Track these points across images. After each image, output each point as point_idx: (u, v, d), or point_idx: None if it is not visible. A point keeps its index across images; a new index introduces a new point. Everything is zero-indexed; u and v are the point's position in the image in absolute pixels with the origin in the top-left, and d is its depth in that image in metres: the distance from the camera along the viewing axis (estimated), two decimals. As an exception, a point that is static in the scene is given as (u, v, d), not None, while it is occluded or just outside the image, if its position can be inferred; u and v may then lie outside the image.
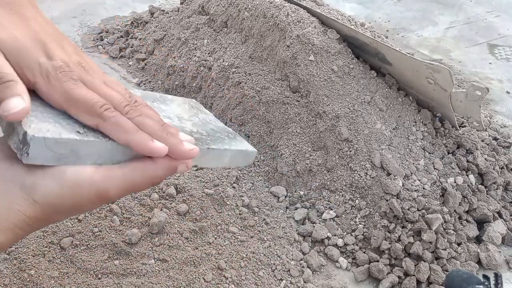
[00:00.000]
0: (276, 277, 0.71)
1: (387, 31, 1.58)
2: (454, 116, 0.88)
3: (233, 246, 0.75)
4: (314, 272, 0.73)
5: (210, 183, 0.88)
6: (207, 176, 0.90)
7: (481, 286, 0.55)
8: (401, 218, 0.74)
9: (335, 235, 0.77)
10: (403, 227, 0.74)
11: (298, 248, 0.76)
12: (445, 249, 0.71)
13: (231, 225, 0.79)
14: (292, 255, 0.75)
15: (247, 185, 0.87)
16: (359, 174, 0.80)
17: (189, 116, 0.48)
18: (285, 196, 0.85)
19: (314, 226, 0.79)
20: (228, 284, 0.69)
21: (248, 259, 0.73)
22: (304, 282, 0.71)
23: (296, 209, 0.83)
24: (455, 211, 0.77)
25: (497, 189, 0.84)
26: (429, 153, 0.85)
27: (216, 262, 0.72)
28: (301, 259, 0.74)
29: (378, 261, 0.73)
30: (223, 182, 0.89)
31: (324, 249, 0.76)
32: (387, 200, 0.76)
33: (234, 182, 0.88)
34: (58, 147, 0.30)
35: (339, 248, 0.76)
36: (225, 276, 0.70)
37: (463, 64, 1.37)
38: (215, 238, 0.76)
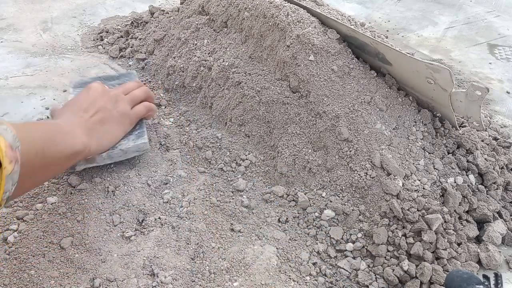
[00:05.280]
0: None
1: (387, 31, 1.58)
2: (454, 116, 0.88)
3: (233, 247, 0.75)
4: (314, 272, 0.73)
5: (210, 183, 0.88)
6: (207, 176, 0.90)
7: (481, 286, 0.55)
8: (401, 218, 0.74)
9: (335, 235, 0.77)
10: (403, 227, 0.74)
11: (298, 248, 0.76)
12: (445, 249, 0.71)
13: (231, 225, 0.79)
14: (292, 255, 0.75)
15: (247, 185, 0.87)
16: (359, 174, 0.80)
17: None
18: (285, 196, 0.85)
19: (314, 226, 0.79)
20: (229, 284, 0.69)
21: (249, 260, 0.73)
22: (304, 282, 0.71)
23: (296, 209, 0.83)
24: (455, 211, 0.77)
25: (497, 189, 0.84)
26: (429, 153, 0.85)
27: (216, 263, 0.72)
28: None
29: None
30: (223, 182, 0.89)
31: (324, 249, 0.76)
32: (387, 201, 0.76)
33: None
34: None
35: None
36: (225, 277, 0.70)
37: (463, 64, 1.37)
38: (215, 238, 0.76)
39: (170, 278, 0.68)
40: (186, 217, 0.79)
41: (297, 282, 0.70)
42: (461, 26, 1.61)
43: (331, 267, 0.73)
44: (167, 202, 0.83)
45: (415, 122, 0.88)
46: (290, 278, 0.70)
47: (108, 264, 0.70)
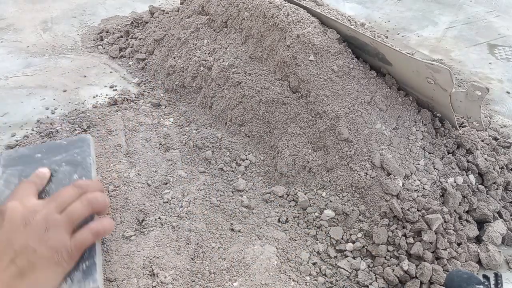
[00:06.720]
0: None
1: (387, 31, 1.58)
2: (454, 116, 0.88)
3: (233, 247, 0.75)
4: (314, 272, 0.73)
5: (210, 183, 0.88)
6: (207, 176, 0.90)
7: (481, 286, 0.55)
8: (401, 218, 0.74)
9: (335, 235, 0.77)
10: (403, 227, 0.74)
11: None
12: (445, 249, 0.71)
13: (231, 225, 0.79)
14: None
15: (247, 185, 0.87)
16: (359, 174, 0.80)
17: None
18: (285, 196, 0.85)
19: (314, 226, 0.79)
20: (229, 284, 0.69)
21: (249, 260, 0.73)
22: (304, 282, 0.70)
23: (296, 209, 0.83)
24: (455, 211, 0.77)
25: (497, 189, 0.84)
26: (429, 153, 0.85)
27: (216, 263, 0.72)
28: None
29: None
30: (223, 182, 0.89)
31: (324, 249, 0.76)
32: (387, 201, 0.76)
33: (234, 182, 0.88)
34: None
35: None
36: (225, 277, 0.70)
37: (463, 64, 1.37)
38: (215, 238, 0.76)
39: (170, 278, 0.68)
40: (186, 217, 0.79)
41: (297, 282, 0.70)
42: (461, 26, 1.61)
43: (331, 267, 0.73)
44: (167, 202, 0.83)
45: (415, 122, 0.88)
46: (290, 278, 0.70)
47: (108, 264, 0.70)
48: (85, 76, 1.25)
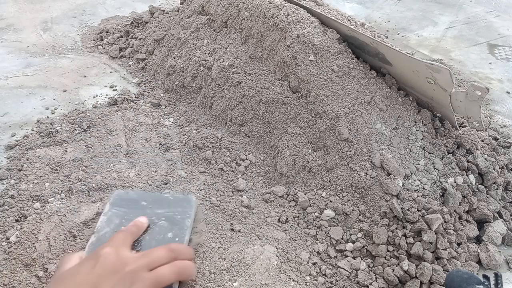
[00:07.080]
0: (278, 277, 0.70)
1: (387, 31, 1.58)
2: (454, 116, 0.88)
3: (233, 247, 0.75)
4: (314, 272, 0.73)
5: (210, 183, 0.88)
6: (207, 176, 0.90)
7: (481, 286, 0.54)
8: (401, 218, 0.74)
9: (335, 235, 0.77)
10: (403, 227, 0.74)
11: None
12: (445, 249, 0.71)
13: (231, 225, 0.79)
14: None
15: (247, 185, 0.87)
16: (359, 174, 0.80)
17: None
18: (285, 196, 0.85)
19: (314, 226, 0.79)
20: (229, 284, 0.69)
21: (249, 260, 0.73)
22: (304, 282, 0.70)
23: (296, 209, 0.82)
24: (455, 211, 0.77)
25: (497, 189, 0.84)
26: (429, 153, 0.85)
27: (216, 263, 0.72)
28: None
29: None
30: (223, 182, 0.89)
31: (324, 249, 0.76)
32: (387, 201, 0.76)
33: (234, 182, 0.88)
34: None
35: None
36: (225, 277, 0.70)
37: (463, 64, 1.37)
38: (215, 238, 0.76)
39: (170, 278, 0.68)
40: (186, 217, 0.79)
41: (297, 282, 0.70)
42: (461, 26, 1.61)
43: (331, 267, 0.73)
44: (167, 202, 0.83)
45: (415, 122, 0.88)
46: (290, 278, 0.70)
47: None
48: (85, 76, 1.25)
